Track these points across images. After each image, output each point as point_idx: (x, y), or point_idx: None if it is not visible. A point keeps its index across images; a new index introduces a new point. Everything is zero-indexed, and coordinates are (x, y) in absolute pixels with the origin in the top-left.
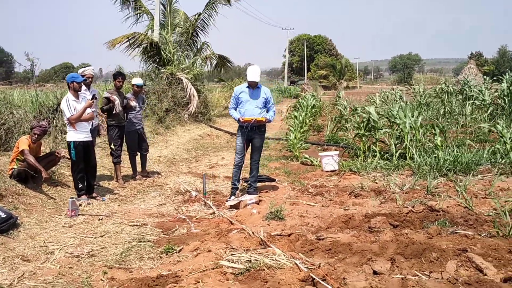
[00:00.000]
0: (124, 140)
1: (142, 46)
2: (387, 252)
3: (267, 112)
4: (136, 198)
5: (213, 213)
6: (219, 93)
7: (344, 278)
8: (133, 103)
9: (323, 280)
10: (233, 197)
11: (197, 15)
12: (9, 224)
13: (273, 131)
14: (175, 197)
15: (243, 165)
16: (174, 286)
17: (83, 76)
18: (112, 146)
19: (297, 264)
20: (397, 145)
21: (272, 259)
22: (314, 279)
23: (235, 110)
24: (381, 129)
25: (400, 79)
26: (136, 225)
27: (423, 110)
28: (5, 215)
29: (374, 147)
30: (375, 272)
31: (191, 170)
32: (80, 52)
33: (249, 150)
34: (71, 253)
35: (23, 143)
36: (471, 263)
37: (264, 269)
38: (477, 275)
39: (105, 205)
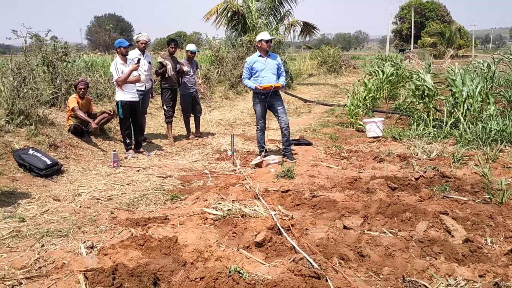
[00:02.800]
0: (179, 102)
1: (229, 14)
2: (369, 210)
3: (279, 77)
4: (178, 155)
5: (234, 170)
6: (309, 61)
7: (306, 229)
8: (186, 68)
9: (287, 230)
10: (259, 157)
11: None
12: (53, 170)
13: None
14: (212, 155)
15: (265, 129)
16: (158, 226)
17: (137, 42)
18: (165, 107)
19: (271, 215)
20: (452, 114)
21: (251, 209)
22: (280, 227)
23: (249, 79)
24: (435, 97)
25: None
26: (162, 177)
27: (493, 79)
28: (51, 162)
29: (424, 115)
30: (345, 227)
31: (243, 133)
32: (189, 21)
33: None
34: (94, 196)
35: (72, 101)
36: (442, 224)
37: (238, 217)
38: (443, 236)
39: (148, 159)
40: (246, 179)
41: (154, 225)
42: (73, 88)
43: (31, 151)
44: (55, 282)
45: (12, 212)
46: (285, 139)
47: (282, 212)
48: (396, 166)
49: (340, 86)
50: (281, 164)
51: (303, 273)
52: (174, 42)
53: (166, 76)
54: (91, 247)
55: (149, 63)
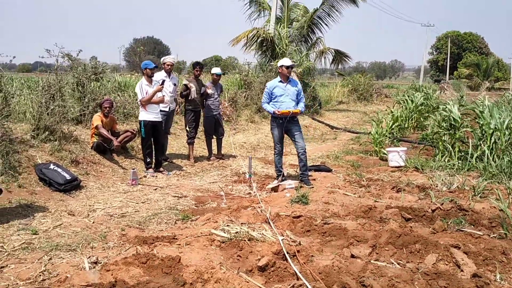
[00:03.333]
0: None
1: (259, 40)
2: (379, 240)
3: (298, 104)
4: (197, 175)
5: (249, 193)
6: (340, 88)
7: (312, 256)
8: (210, 91)
9: (293, 256)
10: (275, 181)
11: (314, 10)
12: (72, 185)
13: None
14: (231, 177)
15: (283, 153)
16: (164, 245)
17: (163, 64)
18: (187, 128)
19: (279, 240)
20: (479, 146)
21: (259, 233)
22: (285, 253)
23: (268, 104)
24: (461, 129)
25: None
26: (177, 197)
27: None
28: (70, 177)
29: (448, 145)
30: (352, 256)
31: (265, 157)
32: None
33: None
34: (108, 212)
35: (96, 119)
36: (452, 258)
37: (245, 240)
38: (452, 270)
39: (167, 179)
40: (259, 203)
41: (160, 244)
42: (98, 106)
43: (52, 166)
44: None
45: (27, 224)
46: (302, 164)
47: (290, 238)
48: (414, 197)
49: (369, 114)
50: (297, 189)
51: None
52: (199, 65)
53: (190, 98)
54: (95, 263)
55: (175, 85)
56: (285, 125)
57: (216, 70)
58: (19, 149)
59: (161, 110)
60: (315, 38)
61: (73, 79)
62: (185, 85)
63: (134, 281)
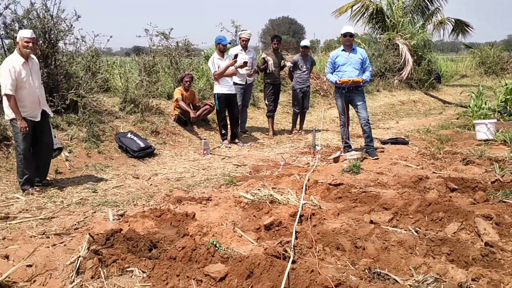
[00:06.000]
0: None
1: (368, 12)
2: (409, 208)
3: (364, 72)
4: (269, 147)
5: (308, 163)
6: (466, 62)
7: (324, 219)
8: (289, 63)
9: (308, 218)
10: (338, 152)
11: None
12: (145, 152)
13: None
14: (302, 149)
15: (349, 124)
16: (191, 204)
17: (239, 38)
18: (266, 102)
19: (298, 203)
20: None
21: (284, 197)
22: (301, 215)
23: (332, 74)
24: None
25: None
26: (238, 165)
27: None
28: (144, 145)
29: None
30: (371, 221)
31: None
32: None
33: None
34: (167, 177)
35: (176, 93)
36: (474, 227)
37: (266, 203)
38: (472, 239)
39: (239, 150)
40: (307, 172)
41: (188, 203)
42: (180, 81)
43: (129, 135)
44: (71, 239)
45: (93, 184)
46: (365, 135)
47: (313, 203)
48: (481, 169)
49: (496, 89)
50: (361, 161)
51: (272, 253)
52: (277, 38)
53: (268, 71)
54: (121, 215)
55: (252, 58)
56: (348, 94)
57: (304, 42)
58: (105, 119)
59: (237, 84)
60: (433, 8)
61: (168, 56)
62: (263, 58)
63: (144, 231)
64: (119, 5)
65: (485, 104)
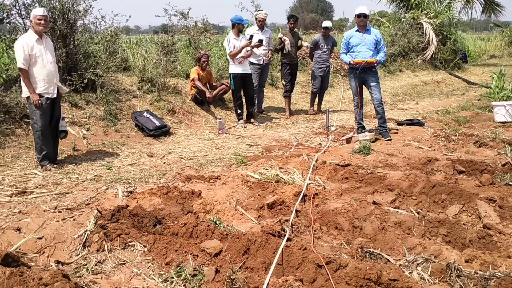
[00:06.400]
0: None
1: None
2: (413, 190)
3: (378, 53)
4: (285, 127)
5: (320, 144)
6: (495, 41)
7: (327, 199)
8: (306, 43)
9: (312, 198)
10: (351, 133)
11: None
12: (161, 131)
13: None
14: (317, 129)
15: (363, 105)
16: (198, 182)
17: (256, 19)
18: (283, 82)
19: (303, 183)
20: None
21: (290, 177)
22: (304, 195)
23: (346, 54)
24: None
25: None
26: (251, 145)
27: None
28: (160, 124)
29: None
30: (374, 202)
31: (368, 111)
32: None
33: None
34: (181, 155)
35: (193, 73)
36: (475, 210)
37: (271, 182)
38: (472, 221)
39: (254, 130)
40: (320, 153)
41: (196, 181)
42: (197, 60)
43: (145, 114)
44: (81, 214)
45: (109, 162)
46: (379, 116)
47: (318, 183)
48: (493, 152)
49: None
50: (374, 141)
51: (268, 231)
52: (293, 18)
53: (285, 51)
54: (131, 192)
55: (269, 38)
56: (362, 75)
57: (325, 23)
58: (123, 98)
59: (253, 63)
60: None
61: (186, 36)
62: (280, 38)
63: (151, 207)
64: None
65: (509, 85)
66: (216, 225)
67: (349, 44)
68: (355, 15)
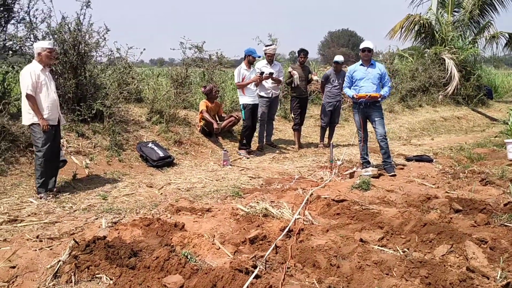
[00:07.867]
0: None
1: (416, 27)
2: (404, 228)
3: (383, 88)
4: (291, 160)
5: (322, 178)
6: None
7: (312, 235)
8: (316, 77)
9: (296, 233)
10: (355, 168)
11: None
12: (164, 162)
13: None
14: (323, 163)
15: (367, 140)
16: (186, 214)
17: (265, 53)
18: (292, 115)
19: (290, 218)
20: None
21: (279, 211)
22: (290, 230)
23: (350, 88)
24: None
25: None
26: (252, 177)
27: None
28: (163, 155)
29: None
30: (361, 240)
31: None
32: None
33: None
34: (179, 187)
35: (201, 105)
36: (463, 251)
37: (259, 216)
38: (460, 262)
39: (259, 161)
40: (317, 187)
41: (184, 213)
42: (205, 94)
43: (150, 144)
44: (60, 243)
45: (106, 192)
46: (383, 151)
47: (307, 218)
48: (499, 191)
49: None
50: (377, 177)
51: (236, 267)
52: (303, 52)
53: (294, 85)
54: (115, 223)
55: (278, 71)
56: (366, 110)
57: (336, 58)
58: (131, 129)
59: (262, 96)
60: (484, 22)
61: (201, 69)
62: (289, 72)
63: (131, 239)
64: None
65: None
66: (188, 259)
67: (352, 78)
68: (360, 49)
